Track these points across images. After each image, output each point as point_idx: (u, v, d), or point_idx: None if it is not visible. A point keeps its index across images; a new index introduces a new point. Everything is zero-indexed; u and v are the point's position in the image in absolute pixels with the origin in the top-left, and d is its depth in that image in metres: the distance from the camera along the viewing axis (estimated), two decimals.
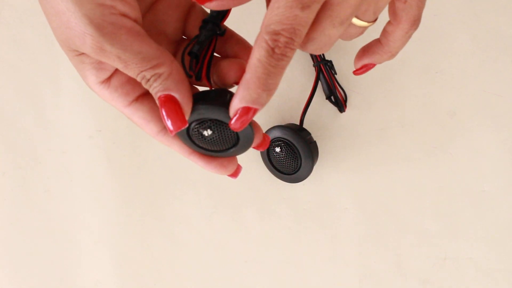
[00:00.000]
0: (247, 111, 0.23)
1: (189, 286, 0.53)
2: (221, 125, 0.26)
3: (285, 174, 0.48)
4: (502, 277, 0.48)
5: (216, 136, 0.26)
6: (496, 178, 0.47)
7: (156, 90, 0.24)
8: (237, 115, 0.23)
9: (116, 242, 0.53)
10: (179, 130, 0.24)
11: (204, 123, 0.26)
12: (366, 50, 0.32)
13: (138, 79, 0.24)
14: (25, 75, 0.53)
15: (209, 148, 0.27)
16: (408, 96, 0.48)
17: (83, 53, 0.25)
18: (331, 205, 0.50)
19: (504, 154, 0.47)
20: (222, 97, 0.25)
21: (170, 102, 0.24)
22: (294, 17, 0.23)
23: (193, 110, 0.25)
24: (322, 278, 0.50)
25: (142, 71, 0.24)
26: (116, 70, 0.26)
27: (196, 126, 0.26)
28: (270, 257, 0.51)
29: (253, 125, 0.26)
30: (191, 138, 0.27)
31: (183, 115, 0.24)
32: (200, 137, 0.26)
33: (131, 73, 0.24)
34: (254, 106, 0.23)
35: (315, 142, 0.48)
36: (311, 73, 0.49)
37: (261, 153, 0.49)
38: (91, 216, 0.54)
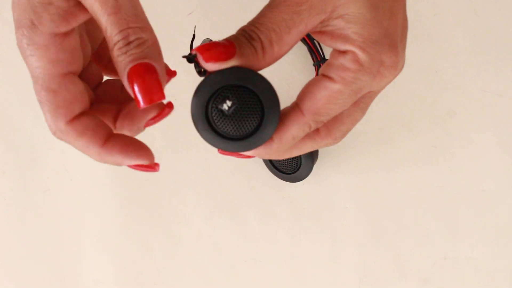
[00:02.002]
0: None
1: (189, 286, 0.53)
2: (241, 92, 0.24)
3: (285, 173, 0.48)
4: (502, 277, 0.48)
5: (237, 108, 0.24)
6: (496, 178, 0.47)
7: (134, 57, 0.22)
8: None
9: (116, 242, 0.53)
10: (152, 103, 0.22)
11: (222, 93, 0.24)
12: None
13: (116, 38, 0.21)
14: (25, 75, 0.53)
15: (233, 132, 0.25)
16: (408, 96, 0.48)
17: None
18: (331, 204, 0.50)
19: (504, 154, 0.47)
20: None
21: (148, 71, 0.22)
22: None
23: (203, 85, 0.24)
24: (322, 278, 0.50)
25: (129, 27, 0.21)
26: (71, 32, 0.23)
27: (214, 102, 0.24)
28: (270, 257, 0.51)
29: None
30: (210, 124, 0.25)
31: (161, 85, 0.22)
32: (220, 116, 0.24)
33: (114, 27, 0.21)
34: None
35: None
36: (311, 72, 0.49)
37: None
38: (91, 215, 0.54)
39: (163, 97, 0.22)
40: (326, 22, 0.24)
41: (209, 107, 0.24)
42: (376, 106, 0.48)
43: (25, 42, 0.23)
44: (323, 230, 0.50)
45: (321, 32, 0.25)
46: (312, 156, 0.46)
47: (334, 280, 0.50)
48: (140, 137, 0.27)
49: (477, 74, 0.47)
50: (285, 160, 0.47)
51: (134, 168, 0.26)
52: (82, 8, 0.22)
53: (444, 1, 0.47)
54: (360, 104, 0.26)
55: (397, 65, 0.24)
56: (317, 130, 0.26)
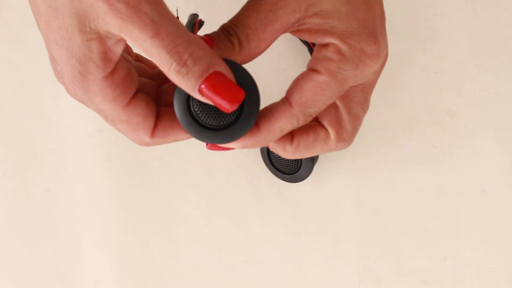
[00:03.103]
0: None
1: (188, 286, 0.53)
2: None
3: (285, 173, 0.48)
4: (502, 277, 0.48)
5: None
6: (496, 178, 0.47)
7: (198, 74, 0.22)
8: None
9: (116, 242, 0.53)
10: (239, 103, 0.23)
11: None
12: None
13: (166, 60, 0.21)
14: (25, 75, 0.53)
15: (216, 122, 0.25)
16: (408, 96, 0.48)
17: (96, 38, 0.22)
18: (331, 205, 0.50)
19: (504, 154, 0.47)
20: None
21: (219, 78, 0.22)
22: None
23: None
24: (322, 278, 0.50)
25: (176, 45, 0.21)
26: (116, 65, 0.24)
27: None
28: (270, 257, 0.51)
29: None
30: (194, 117, 0.25)
31: (235, 84, 0.23)
32: (201, 107, 0.25)
33: (161, 49, 0.21)
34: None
35: None
36: None
37: (261, 152, 0.49)
38: (91, 215, 0.54)
39: (243, 93, 0.23)
40: (302, 21, 0.25)
41: (190, 99, 0.25)
42: (376, 106, 0.49)
43: (80, 93, 0.24)
44: (323, 230, 0.50)
45: (299, 31, 0.25)
46: (313, 156, 0.46)
47: (334, 280, 0.50)
48: None
49: (477, 74, 0.47)
50: (286, 160, 0.47)
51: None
52: (119, 41, 0.23)
53: (444, 1, 0.47)
54: (355, 99, 0.27)
55: (378, 53, 0.25)
56: (328, 134, 0.27)
